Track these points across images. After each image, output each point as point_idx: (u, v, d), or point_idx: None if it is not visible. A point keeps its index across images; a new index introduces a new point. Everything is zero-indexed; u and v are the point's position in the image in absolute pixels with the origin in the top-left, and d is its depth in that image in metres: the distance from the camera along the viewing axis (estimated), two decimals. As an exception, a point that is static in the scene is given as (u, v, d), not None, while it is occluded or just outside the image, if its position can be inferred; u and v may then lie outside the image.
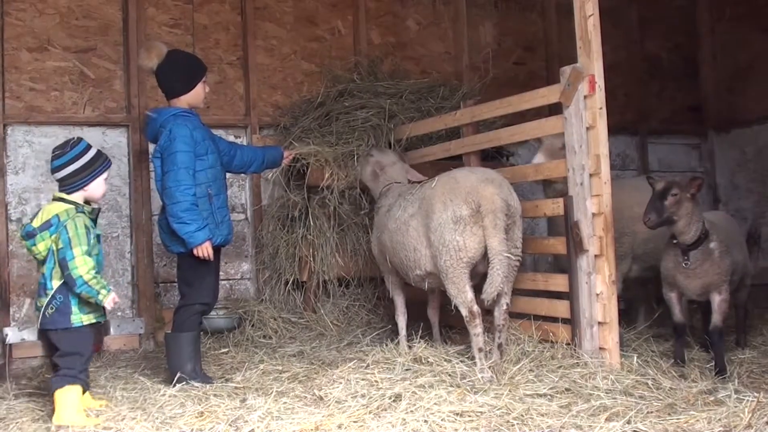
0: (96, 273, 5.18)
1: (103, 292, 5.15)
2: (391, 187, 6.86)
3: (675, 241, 6.06)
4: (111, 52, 8.24)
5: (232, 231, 6.43)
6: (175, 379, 5.82)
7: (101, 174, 5.44)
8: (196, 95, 6.35)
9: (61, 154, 5.38)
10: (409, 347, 6.36)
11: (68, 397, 5.11)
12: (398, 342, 6.68)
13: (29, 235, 5.30)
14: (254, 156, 6.86)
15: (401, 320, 6.85)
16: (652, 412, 4.68)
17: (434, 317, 6.98)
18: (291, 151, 7.31)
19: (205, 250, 5.96)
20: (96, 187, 5.43)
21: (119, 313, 7.84)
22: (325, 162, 7.51)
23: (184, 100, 6.29)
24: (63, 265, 5.17)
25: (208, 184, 6.13)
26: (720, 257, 6.02)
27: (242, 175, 8.41)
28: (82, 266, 5.12)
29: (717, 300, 6.07)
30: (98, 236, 5.44)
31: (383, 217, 6.64)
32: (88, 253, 5.18)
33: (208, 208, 6.09)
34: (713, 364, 5.99)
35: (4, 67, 7.81)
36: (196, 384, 5.78)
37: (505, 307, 5.97)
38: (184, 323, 6.10)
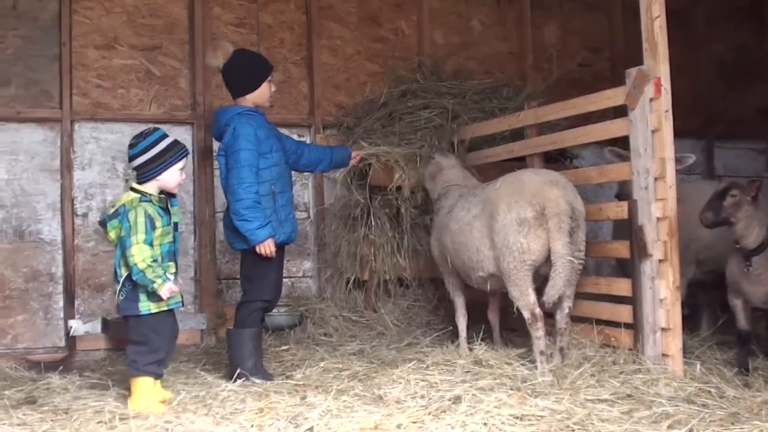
0: (154, 262, 5.20)
1: (158, 281, 5.16)
2: (451, 188, 6.84)
3: (738, 246, 5.97)
4: (177, 50, 8.33)
5: (295, 229, 6.42)
6: (236, 375, 5.86)
7: (174, 164, 5.44)
8: (261, 94, 6.39)
9: (136, 143, 5.43)
10: (470, 349, 6.35)
11: (136, 386, 5.26)
12: (458, 344, 6.67)
13: (103, 224, 5.42)
14: (322, 155, 6.90)
15: (461, 322, 6.83)
16: (714, 421, 4.60)
17: (495, 319, 6.95)
18: (359, 152, 7.30)
19: (267, 248, 5.99)
20: (169, 177, 5.43)
21: (182, 309, 7.90)
22: (390, 163, 7.51)
23: (250, 99, 6.33)
24: (124, 253, 5.25)
25: (272, 182, 6.15)
26: None
27: (306, 173, 8.44)
28: (138, 254, 5.17)
29: None
30: (176, 224, 5.52)
31: (444, 218, 6.62)
32: (148, 242, 5.22)
33: (271, 205, 6.11)
34: (778, 373, 5.89)
35: (71, 65, 7.93)
36: (257, 381, 5.80)
37: (567, 310, 5.93)
38: (246, 319, 6.14)
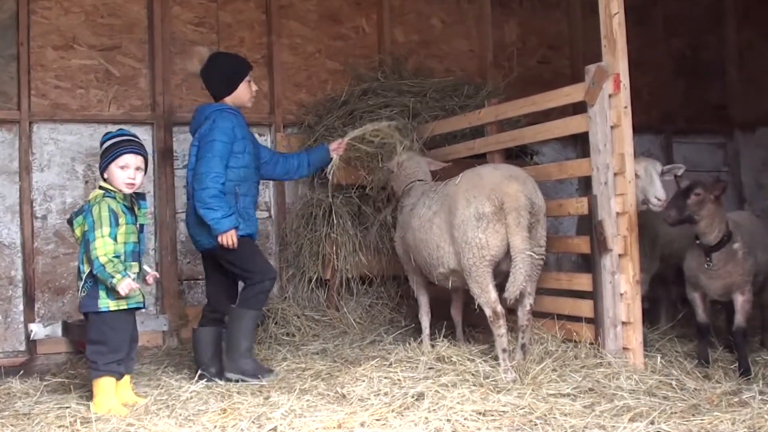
0: (116, 257, 5.18)
1: (118, 276, 5.12)
2: (414, 185, 6.83)
3: (698, 242, 6.03)
4: (136, 50, 8.28)
5: (256, 229, 6.45)
6: (234, 366, 6.03)
7: (113, 161, 5.35)
8: (239, 95, 6.46)
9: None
10: (432, 346, 6.35)
11: (98, 387, 5.23)
12: (421, 341, 6.67)
13: (70, 223, 5.42)
14: (299, 159, 6.92)
15: (425, 319, 6.83)
16: (675, 413, 4.65)
17: (457, 316, 6.96)
18: (341, 140, 7.17)
19: (229, 238, 6.00)
20: (111, 175, 5.37)
21: (144, 310, 7.85)
22: (352, 161, 7.52)
23: (229, 101, 6.42)
24: (87, 248, 5.23)
25: (237, 183, 6.20)
26: (743, 258, 5.98)
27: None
28: (101, 248, 5.15)
29: (740, 300, 6.03)
30: (142, 226, 5.50)
31: (407, 216, 6.63)
32: (113, 236, 5.20)
33: (232, 205, 6.13)
34: (737, 364, 5.94)
35: (29, 65, 7.86)
36: (247, 366, 5.98)
37: (528, 307, 5.95)
38: (252, 299, 6.14)
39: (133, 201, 5.45)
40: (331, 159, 7.08)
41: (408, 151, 7.21)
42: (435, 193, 6.37)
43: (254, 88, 6.59)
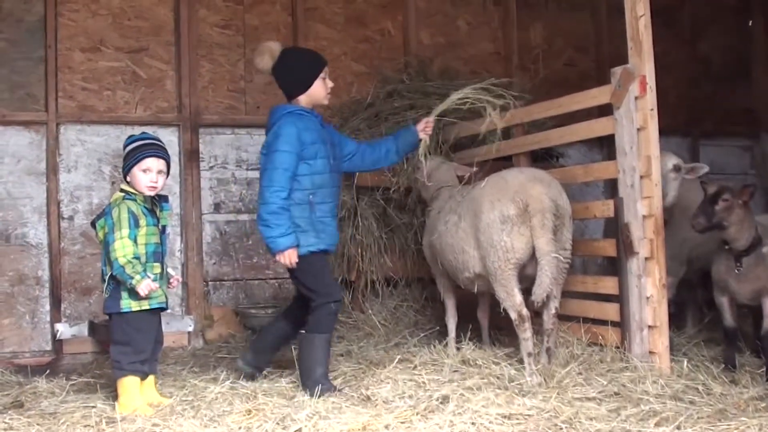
0: (135, 258, 5.20)
1: (137, 277, 5.14)
2: (442, 190, 6.82)
3: (727, 247, 5.99)
4: (163, 52, 8.33)
5: (335, 241, 6.07)
6: (311, 388, 5.57)
7: (135, 164, 5.37)
8: (314, 93, 6.02)
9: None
10: (458, 349, 6.35)
11: (123, 387, 5.25)
12: (446, 343, 6.66)
13: (93, 226, 5.44)
14: (386, 146, 6.39)
15: (451, 322, 6.82)
16: (702, 418, 4.62)
17: (484, 320, 6.94)
18: (427, 119, 6.55)
19: (287, 257, 5.67)
20: (134, 178, 5.39)
21: (169, 311, 7.87)
22: None
23: (303, 100, 5.99)
24: (107, 250, 5.26)
25: (311, 191, 5.78)
26: None
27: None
28: (120, 249, 5.17)
29: None
30: (164, 227, 5.52)
31: (434, 220, 6.61)
32: (132, 237, 5.23)
33: (306, 215, 5.78)
34: (765, 369, 5.89)
35: (57, 67, 7.93)
36: (327, 395, 5.42)
37: (554, 310, 5.92)
38: (319, 323, 5.76)
39: (155, 203, 5.48)
40: (420, 140, 6.50)
41: (436, 157, 7.15)
42: (461, 196, 6.36)
43: (330, 84, 6.12)
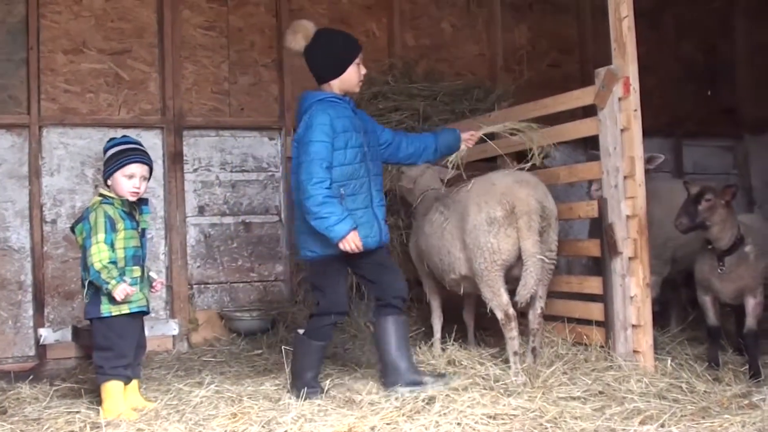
0: (111, 263, 5.17)
1: (113, 282, 5.10)
2: (427, 193, 6.83)
3: (710, 246, 6.02)
4: (146, 54, 8.30)
5: (372, 235, 5.60)
6: (298, 389, 5.47)
7: (118, 169, 5.32)
8: (347, 79, 5.73)
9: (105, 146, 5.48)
10: (443, 350, 6.35)
11: (106, 392, 5.21)
12: (432, 344, 6.67)
13: (73, 230, 5.41)
14: (425, 143, 6.07)
15: (437, 323, 6.82)
16: (686, 416, 4.63)
17: (470, 321, 6.95)
18: (474, 132, 6.27)
19: (351, 242, 5.36)
20: (116, 183, 5.34)
21: (153, 314, 7.84)
22: None
23: (335, 85, 5.71)
24: (84, 255, 5.25)
25: (342, 184, 5.48)
26: (755, 261, 5.99)
27: (276, 175, 8.50)
28: (96, 254, 5.14)
29: (752, 303, 6.03)
30: (144, 230, 5.49)
31: (420, 222, 6.63)
32: (108, 242, 5.19)
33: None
34: (748, 367, 5.94)
35: (39, 69, 7.88)
36: (313, 398, 5.33)
37: (539, 311, 5.94)
38: (317, 331, 5.64)
39: (133, 206, 5.43)
40: (458, 148, 6.20)
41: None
42: (447, 198, 6.36)
43: (363, 71, 5.80)
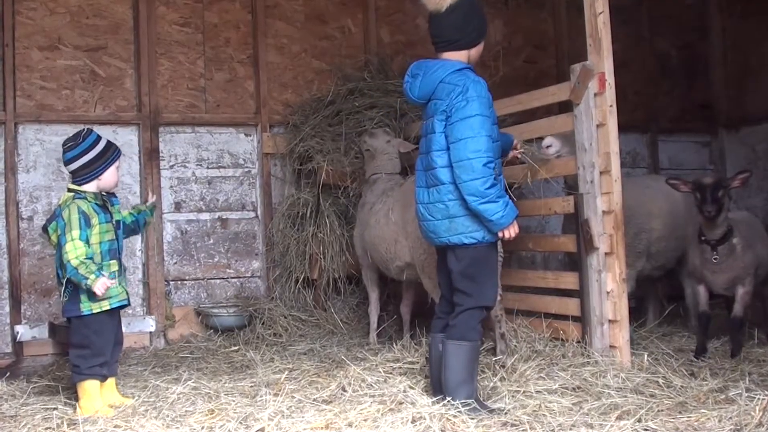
0: (88, 259, 5.16)
1: (91, 277, 5.08)
2: (379, 178, 6.88)
3: (703, 238, 6.20)
4: (122, 50, 8.26)
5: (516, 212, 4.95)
6: (461, 398, 4.81)
7: (113, 163, 5.43)
8: (479, 51, 5.16)
9: (74, 146, 5.40)
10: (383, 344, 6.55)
11: (83, 390, 5.22)
12: (368, 333, 7.03)
13: (45, 230, 5.38)
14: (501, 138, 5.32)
15: (374, 314, 7.15)
16: (662, 411, 4.67)
17: (406, 314, 7.15)
18: (521, 150, 6.02)
19: (512, 229, 4.86)
20: (109, 177, 5.42)
21: (129, 311, 7.82)
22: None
23: (473, 55, 5.09)
24: (60, 252, 5.22)
25: (495, 162, 4.90)
26: (743, 251, 6.24)
27: (253, 171, 8.50)
28: (72, 251, 5.13)
29: (740, 292, 6.31)
30: (118, 222, 5.49)
31: (366, 215, 6.74)
32: (83, 238, 5.18)
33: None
34: (731, 350, 6.24)
35: (15, 66, 7.82)
36: (484, 413, 4.74)
37: (498, 297, 5.73)
38: (470, 331, 4.92)
39: (105, 199, 5.44)
40: (509, 155, 5.84)
41: (383, 134, 7.28)
42: (393, 190, 6.44)
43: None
